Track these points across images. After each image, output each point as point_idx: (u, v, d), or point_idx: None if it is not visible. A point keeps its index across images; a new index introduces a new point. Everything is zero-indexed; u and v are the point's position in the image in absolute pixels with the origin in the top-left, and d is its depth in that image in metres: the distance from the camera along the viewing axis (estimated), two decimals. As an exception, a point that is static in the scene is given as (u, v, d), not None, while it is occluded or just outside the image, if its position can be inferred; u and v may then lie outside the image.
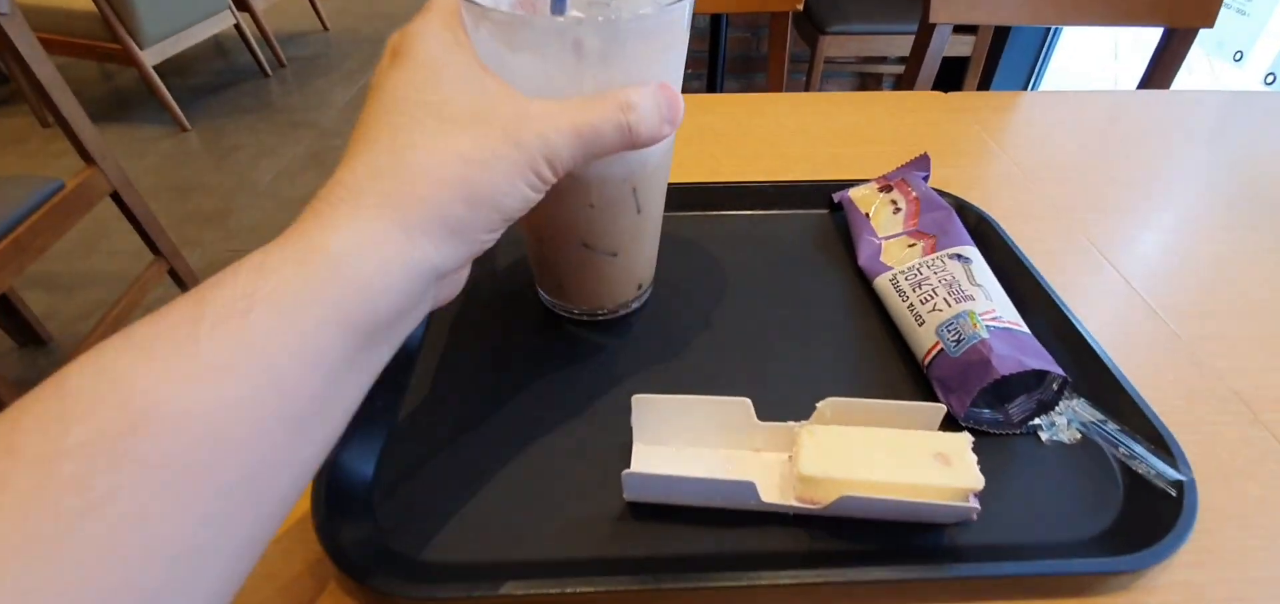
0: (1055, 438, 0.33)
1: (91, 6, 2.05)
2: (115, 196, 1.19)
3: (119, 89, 2.64)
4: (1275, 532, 0.30)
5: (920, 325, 0.36)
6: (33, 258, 1.03)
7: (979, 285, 0.36)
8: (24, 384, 1.39)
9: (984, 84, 2.04)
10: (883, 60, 2.24)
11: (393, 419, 0.33)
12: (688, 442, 0.32)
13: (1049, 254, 0.46)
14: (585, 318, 0.39)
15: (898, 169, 0.47)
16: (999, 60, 2.02)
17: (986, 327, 0.33)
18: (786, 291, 0.42)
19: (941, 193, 0.45)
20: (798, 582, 0.26)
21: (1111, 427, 0.33)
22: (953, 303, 0.35)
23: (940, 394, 0.34)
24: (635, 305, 0.40)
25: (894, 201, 0.45)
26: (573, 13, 0.24)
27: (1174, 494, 0.30)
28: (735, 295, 0.42)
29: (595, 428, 0.33)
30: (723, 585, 0.26)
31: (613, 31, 0.25)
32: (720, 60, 1.96)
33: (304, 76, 2.78)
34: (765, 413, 0.31)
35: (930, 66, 0.99)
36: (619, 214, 0.34)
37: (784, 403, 0.31)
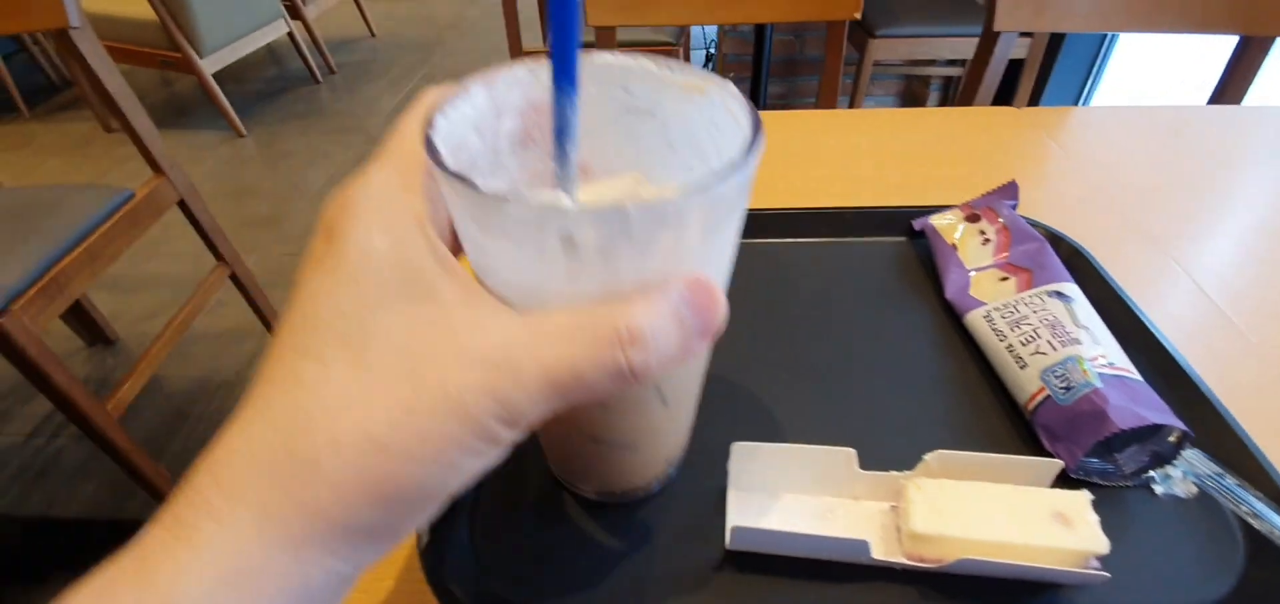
0: (1170, 492, 0.32)
1: (153, 16, 2.13)
2: (181, 204, 1.24)
3: (177, 95, 2.74)
4: None
5: (1022, 368, 0.35)
6: (105, 265, 1.07)
7: (1084, 327, 0.35)
8: (93, 382, 1.46)
9: (1039, 86, 1.97)
10: (931, 63, 2.19)
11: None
12: (784, 488, 0.31)
13: (1143, 285, 0.44)
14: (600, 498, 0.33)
15: (984, 197, 0.46)
16: (1055, 61, 1.95)
17: (1098, 374, 0.32)
18: (871, 325, 0.41)
19: (1031, 222, 0.44)
20: (912, 645, 0.25)
21: (1231, 481, 0.32)
22: (1057, 346, 0.34)
23: (1046, 442, 0.33)
24: (657, 487, 0.33)
25: (982, 231, 0.43)
26: (562, 197, 0.17)
27: (1304, 558, 0.28)
28: (817, 329, 0.41)
29: (690, 470, 0.33)
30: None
31: (618, 225, 0.17)
32: (764, 63, 1.94)
33: (353, 83, 2.85)
34: (860, 457, 0.30)
35: (994, 75, 0.96)
36: (638, 412, 0.26)
37: (878, 447, 0.31)
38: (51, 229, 1.01)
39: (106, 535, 1.14)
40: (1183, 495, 0.32)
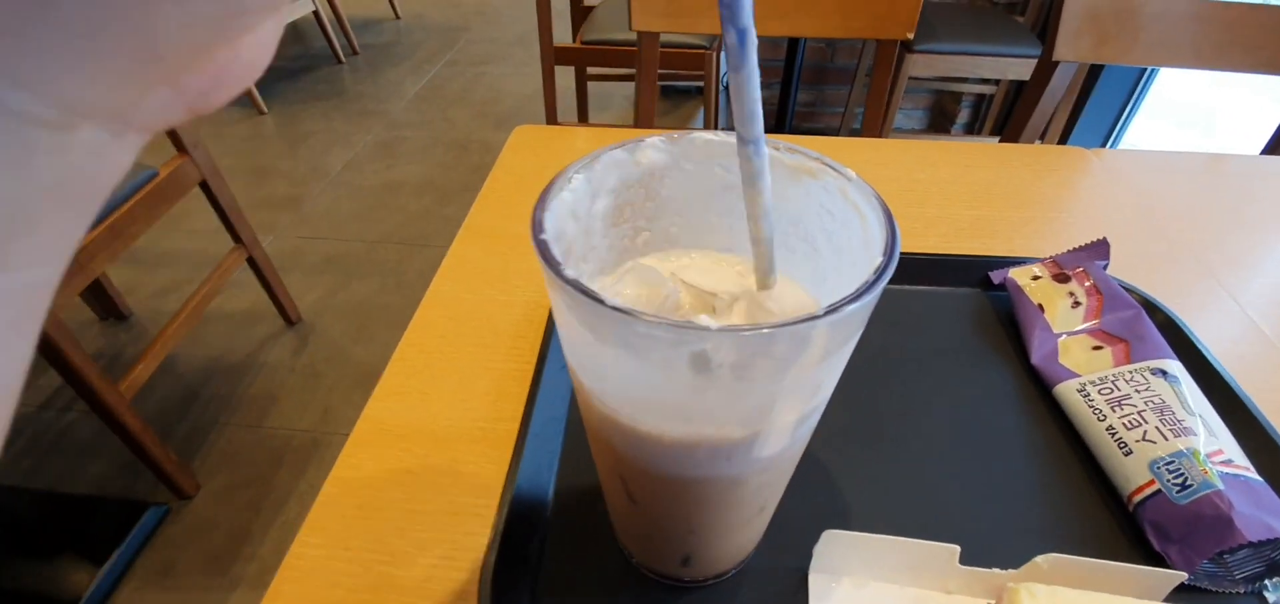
0: (1285, 602, 0.29)
1: (182, -11, 2.11)
2: (202, 184, 1.22)
3: (200, 68, 2.72)
4: None
5: (1126, 454, 0.32)
6: (127, 243, 1.06)
7: (1195, 415, 0.32)
8: (104, 356, 1.45)
9: (1075, 112, 1.93)
10: (964, 80, 2.14)
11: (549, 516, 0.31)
12: (870, 575, 0.29)
13: (1235, 358, 0.41)
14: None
15: (1072, 253, 0.43)
16: (1093, 88, 1.91)
17: (1218, 473, 0.29)
18: (949, 388, 0.38)
19: (1124, 285, 0.41)
20: None
21: (1354, 595, 0.29)
22: (1168, 435, 0.31)
23: (1155, 541, 0.30)
24: (734, 571, 0.30)
25: (1072, 294, 0.40)
26: (703, 319, 0.15)
27: None
28: (893, 389, 0.38)
29: (767, 547, 0.30)
30: None
31: (759, 345, 0.16)
32: (796, 71, 1.91)
33: (376, 64, 2.83)
34: (940, 536, 0.28)
35: (1048, 103, 0.93)
36: (727, 503, 0.24)
37: (969, 534, 0.28)
38: (73, 205, 0.99)
39: (114, 513, 1.12)
40: (1299, 608, 0.29)
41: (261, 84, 2.45)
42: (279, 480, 1.20)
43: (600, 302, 0.15)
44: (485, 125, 2.37)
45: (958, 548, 0.27)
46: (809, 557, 0.29)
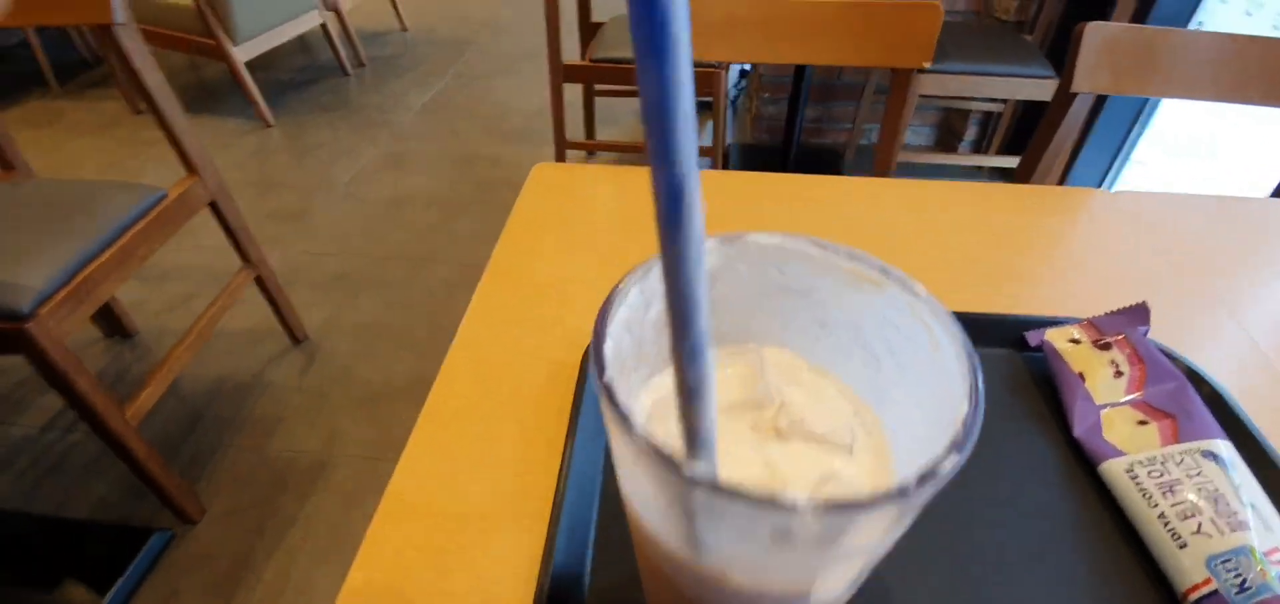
0: (1347, 705, 0.28)
1: (189, 1, 2.11)
2: (212, 204, 1.22)
3: (206, 81, 2.73)
4: None
5: (1181, 547, 0.31)
6: (136, 265, 1.05)
7: (1249, 506, 0.31)
8: (109, 375, 1.44)
9: (1079, 142, 1.92)
10: (972, 99, 2.14)
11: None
12: (918, 677, 0.28)
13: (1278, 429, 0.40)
14: None
15: (1111, 316, 0.42)
16: (1097, 118, 1.91)
17: (1276, 575, 0.28)
18: (991, 463, 0.37)
19: (1166, 353, 0.40)
20: None
21: None
22: (1224, 529, 0.30)
23: (1211, 641, 0.29)
24: None
25: (1114, 362, 0.39)
26: (791, 495, 0.14)
27: None
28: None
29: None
30: None
31: (844, 518, 0.15)
32: (804, 88, 1.90)
33: (382, 76, 2.83)
34: None
35: (1065, 135, 0.92)
36: None
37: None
38: (83, 228, 0.98)
39: (117, 538, 1.11)
40: (1361, 711, 0.28)
41: (268, 96, 2.45)
42: (283, 504, 1.19)
43: (681, 474, 0.15)
44: (493, 140, 2.37)
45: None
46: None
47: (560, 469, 0.35)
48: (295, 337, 1.50)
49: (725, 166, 1.96)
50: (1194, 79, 0.88)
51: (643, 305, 0.22)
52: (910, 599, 0.31)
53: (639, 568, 0.26)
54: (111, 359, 1.48)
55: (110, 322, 1.51)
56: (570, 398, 0.41)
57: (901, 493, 0.14)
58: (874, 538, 0.17)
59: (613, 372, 0.18)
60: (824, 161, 2.25)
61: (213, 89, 2.66)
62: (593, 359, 0.18)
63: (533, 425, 0.39)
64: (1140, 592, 0.32)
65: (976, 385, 0.17)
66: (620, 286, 0.21)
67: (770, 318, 0.25)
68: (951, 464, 0.15)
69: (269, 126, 2.40)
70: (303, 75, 2.81)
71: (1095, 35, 0.85)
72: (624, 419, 0.16)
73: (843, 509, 0.14)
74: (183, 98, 2.56)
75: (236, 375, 1.44)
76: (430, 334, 1.56)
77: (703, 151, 1.94)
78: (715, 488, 0.14)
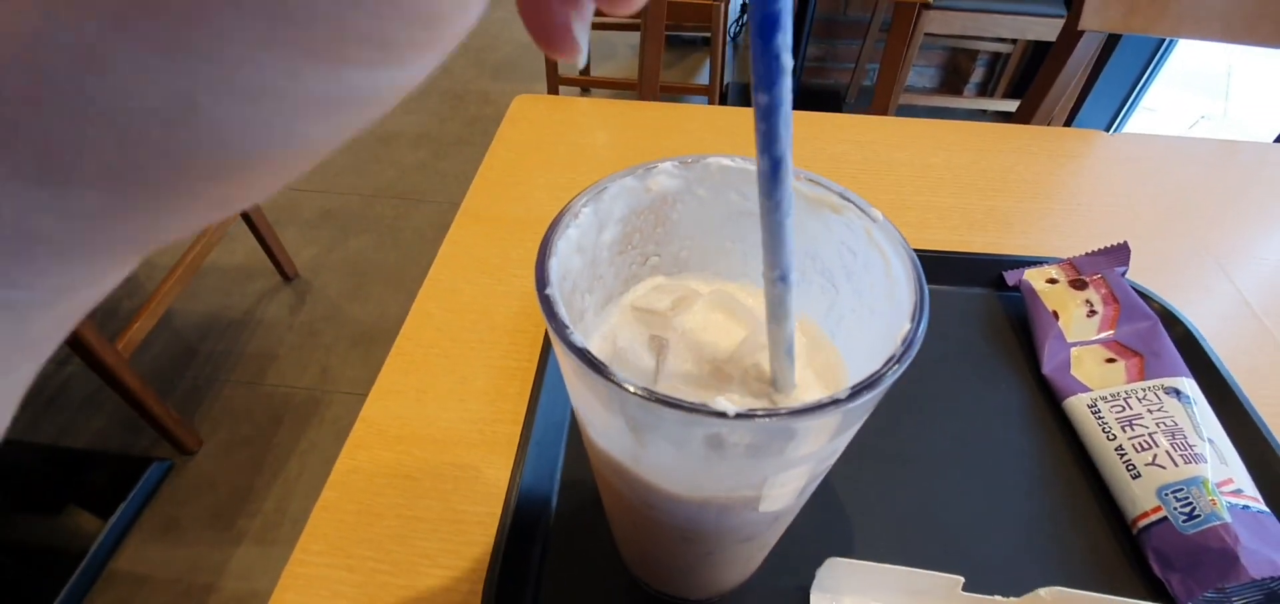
0: (1284, 630, 0.29)
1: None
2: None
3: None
4: None
5: (1135, 478, 0.31)
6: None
7: (1207, 441, 0.31)
8: (99, 310, 1.44)
9: (1090, 80, 1.87)
10: (980, 39, 2.08)
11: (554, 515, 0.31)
12: (871, 599, 0.29)
13: (1251, 373, 0.40)
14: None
15: (1091, 256, 0.42)
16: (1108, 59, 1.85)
17: (1227, 505, 0.29)
18: (958, 398, 0.38)
19: (1142, 293, 0.40)
20: None
21: (1351, 624, 0.29)
22: (1178, 461, 0.31)
23: (1157, 568, 0.30)
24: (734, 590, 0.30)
25: (1088, 301, 0.39)
26: (720, 402, 0.14)
27: None
28: (900, 400, 0.37)
29: (769, 567, 0.30)
30: None
31: (776, 430, 0.16)
32: (808, 23, 1.85)
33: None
34: (943, 561, 0.27)
35: (1070, 74, 0.90)
36: (738, 523, 0.22)
37: (970, 556, 0.28)
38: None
39: (118, 468, 1.14)
40: (1298, 635, 0.29)
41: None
42: (279, 438, 1.21)
43: (617, 383, 0.15)
44: (482, 75, 2.30)
45: (960, 579, 0.27)
46: (811, 579, 0.28)
47: (530, 401, 0.35)
48: (286, 274, 1.50)
49: (722, 104, 1.92)
50: (1206, 18, 0.85)
51: (596, 226, 0.21)
52: (873, 525, 0.32)
53: (599, 489, 0.26)
54: (103, 294, 1.48)
55: (100, 256, 1.50)
56: (541, 333, 0.41)
57: (832, 403, 0.14)
58: (814, 448, 0.17)
59: (556, 288, 0.17)
60: (825, 101, 2.20)
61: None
62: (536, 273, 0.18)
63: (504, 359, 0.39)
64: (1094, 522, 0.32)
65: (921, 305, 0.17)
66: (571, 205, 0.20)
67: (733, 243, 0.24)
68: (889, 377, 0.15)
69: (255, 58, 2.33)
70: (288, 4, 2.71)
71: (1104, -32, 0.81)
72: (562, 328, 0.16)
73: (768, 419, 0.14)
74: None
75: (228, 312, 1.44)
76: (421, 274, 1.55)
77: (700, 90, 1.90)
78: (645, 396, 0.14)
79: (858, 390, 0.15)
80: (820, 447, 0.17)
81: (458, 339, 0.41)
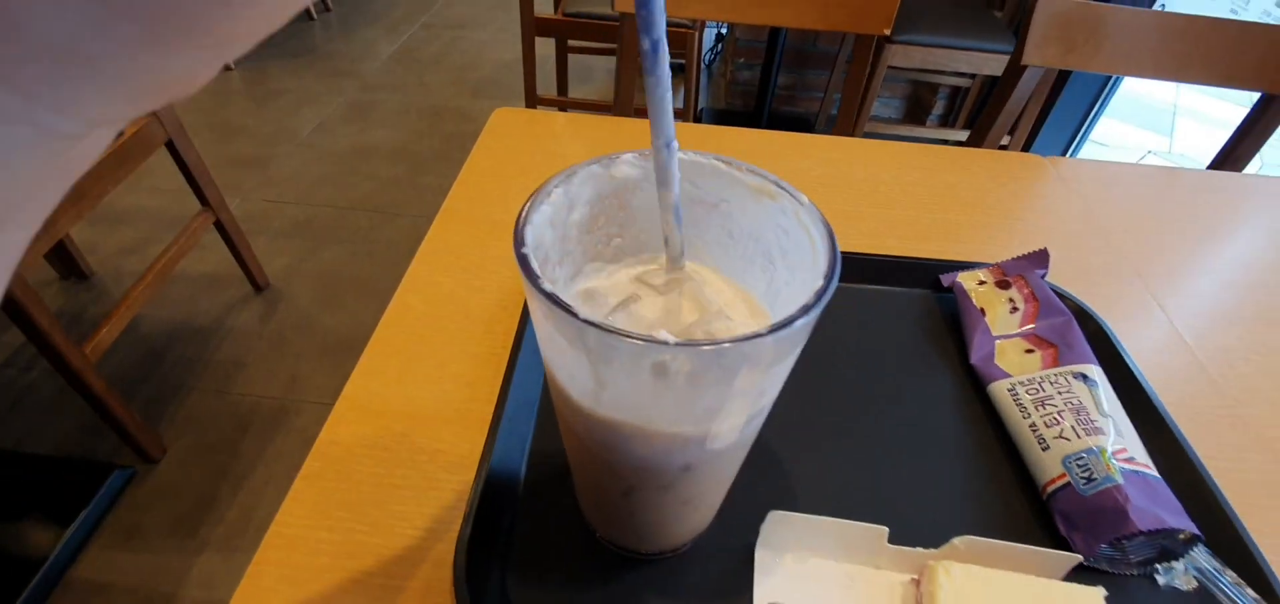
0: (1171, 583, 0.33)
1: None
2: (169, 144, 1.19)
3: (164, 17, 2.62)
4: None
5: (1044, 449, 0.35)
6: (91, 204, 1.03)
7: (1108, 417, 0.36)
8: (65, 316, 1.41)
9: (1044, 111, 1.99)
10: (941, 72, 2.18)
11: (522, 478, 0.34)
12: (810, 552, 0.32)
13: (1158, 367, 0.45)
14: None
15: (1015, 261, 0.46)
16: (1061, 91, 1.97)
17: (1120, 470, 0.33)
18: (894, 383, 0.41)
19: (1059, 293, 0.44)
20: None
21: (1228, 579, 0.33)
22: (1081, 434, 0.35)
23: (1062, 528, 0.34)
24: (688, 546, 0.33)
25: (1011, 300, 0.44)
26: (663, 334, 0.17)
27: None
28: (844, 382, 0.41)
29: (719, 526, 0.33)
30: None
31: (712, 358, 0.18)
32: (778, 54, 1.92)
33: (349, 23, 2.75)
34: (874, 517, 0.31)
35: (1015, 105, 0.96)
36: (684, 494, 0.27)
37: (901, 517, 0.31)
38: (34, 161, 0.96)
39: (79, 474, 1.12)
40: (1183, 588, 0.33)
41: (229, 37, 2.37)
42: (246, 447, 1.20)
43: (575, 315, 0.18)
44: (462, 92, 2.34)
45: (886, 529, 0.30)
46: (756, 534, 0.31)
47: (503, 381, 0.38)
48: (257, 283, 1.50)
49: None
50: (1140, 56, 0.92)
51: (566, 206, 0.24)
52: (814, 490, 0.35)
53: (564, 443, 0.29)
54: (68, 300, 1.46)
55: (66, 262, 1.48)
56: (515, 323, 0.43)
57: (756, 336, 0.18)
58: (747, 382, 0.20)
59: (531, 249, 0.20)
60: (794, 128, 2.27)
61: (170, 28, 2.56)
62: (515, 236, 0.21)
63: (480, 347, 0.42)
64: (1010, 488, 0.36)
65: (834, 267, 0.20)
66: (545, 185, 0.23)
67: (688, 228, 0.27)
68: (801, 320, 0.18)
69: (228, 69, 2.32)
70: (266, 18, 2.71)
71: (1048, 9, 0.88)
72: (534, 278, 0.19)
73: (704, 347, 0.17)
74: (138, 36, 2.45)
75: (197, 320, 1.43)
76: (394, 285, 1.56)
77: (676, 115, 1.95)
78: (601, 327, 0.17)
79: (776, 327, 0.18)
80: (753, 382, 0.20)
81: (437, 328, 0.43)
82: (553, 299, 0.18)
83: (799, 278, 0.24)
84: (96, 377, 1.02)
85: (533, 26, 1.65)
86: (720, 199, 0.26)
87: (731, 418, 0.22)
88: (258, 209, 1.75)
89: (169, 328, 1.41)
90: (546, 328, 0.20)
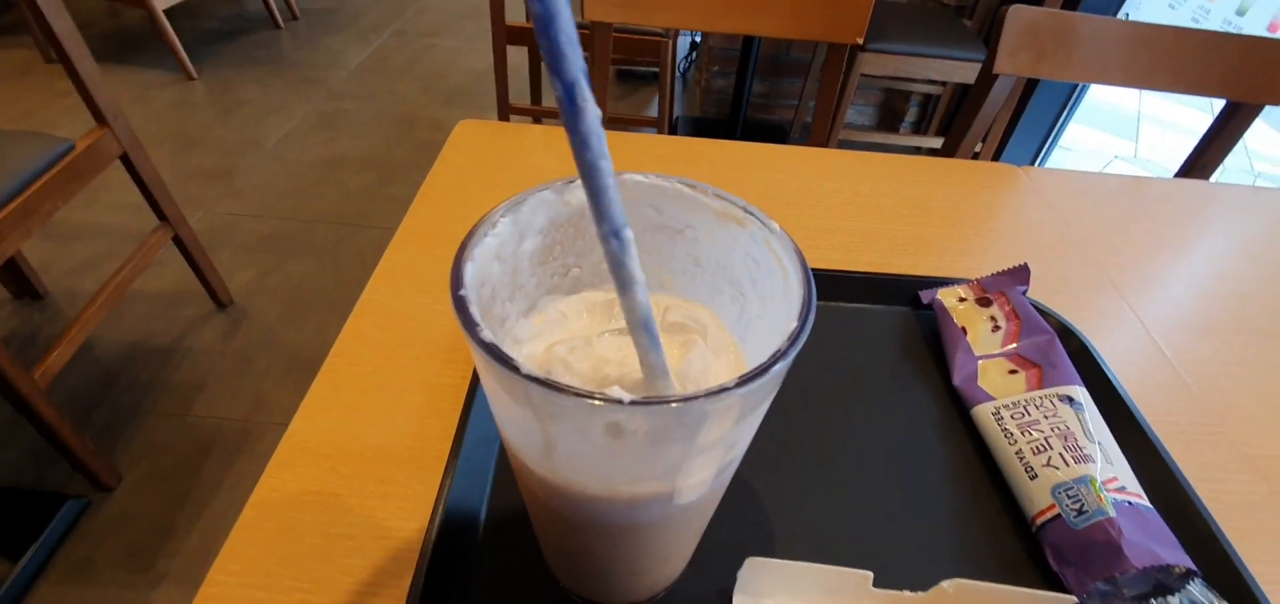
0: (1166, 617, 0.32)
1: (101, -61, 1.96)
2: (125, 158, 1.14)
3: (124, 28, 2.54)
4: None
5: (1032, 479, 0.34)
6: (41, 221, 0.98)
7: (1096, 443, 0.34)
8: (17, 339, 1.35)
9: (1015, 119, 2.01)
10: (913, 81, 2.20)
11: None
12: (790, 598, 0.30)
13: (1140, 383, 0.44)
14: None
15: (995, 277, 0.45)
16: (1030, 99, 2.00)
17: (1112, 501, 0.31)
18: (875, 408, 0.40)
19: (1041, 309, 0.43)
20: None
21: (1224, 610, 0.32)
22: (1070, 462, 0.33)
23: (1053, 562, 0.32)
24: (661, 596, 0.30)
25: (993, 318, 0.42)
26: (616, 390, 0.15)
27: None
28: (822, 407, 0.39)
29: (692, 571, 0.31)
30: None
31: (672, 416, 0.16)
32: (752, 62, 1.92)
33: (316, 31, 2.70)
34: (857, 560, 0.29)
35: (988, 113, 0.96)
36: (652, 531, 0.23)
37: (885, 554, 0.30)
38: (-23, 178, 0.91)
39: (29, 505, 1.06)
40: (1179, 622, 0.32)
41: (191, 46, 2.30)
42: (207, 472, 1.15)
43: (517, 370, 0.15)
44: (433, 101, 2.29)
45: (871, 574, 0.28)
46: (733, 581, 0.29)
47: (461, 415, 0.35)
48: (219, 300, 1.44)
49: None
50: (1108, 65, 0.93)
51: (515, 236, 0.22)
52: (792, 528, 0.33)
53: (522, 494, 0.26)
54: (20, 321, 1.39)
55: (18, 281, 1.41)
56: (479, 347, 0.41)
57: (722, 390, 0.15)
58: (715, 436, 0.18)
59: (470, 290, 0.18)
60: (769, 136, 2.28)
61: (131, 38, 2.48)
62: (452, 276, 0.18)
63: (438, 377, 0.39)
64: (997, 520, 0.34)
65: (809, 304, 0.18)
66: (489, 215, 0.21)
67: (651, 256, 0.25)
68: (775, 368, 0.16)
69: (191, 79, 2.25)
70: (229, 25, 2.64)
71: (1018, 19, 0.88)
72: (472, 326, 0.16)
73: (661, 406, 0.15)
74: (99, 46, 2.37)
75: (155, 339, 1.37)
76: (366, 299, 1.51)
77: (649, 122, 1.94)
78: (544, 384, 0.15)
79: (746, 379, 0.16)
80: (721, 435, 0.18)
81: (391, 356, 0.40)
82: (492, 351, 0.16)
83: (771, 308, 0.22)
84: (47, 403, 0.97)
85: (504, 35, 1.63)
86: (685, 225, 0.24)
87: (699, 473, 0.19)
88: (221, 222, 1.69)
89: (125, 349, 1.35)
90: (489, 380, 0.18)
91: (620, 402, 0.15)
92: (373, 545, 0.31)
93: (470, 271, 0.19)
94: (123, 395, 1.26)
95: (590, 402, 0.15)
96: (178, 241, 1.31)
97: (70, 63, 1.00)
